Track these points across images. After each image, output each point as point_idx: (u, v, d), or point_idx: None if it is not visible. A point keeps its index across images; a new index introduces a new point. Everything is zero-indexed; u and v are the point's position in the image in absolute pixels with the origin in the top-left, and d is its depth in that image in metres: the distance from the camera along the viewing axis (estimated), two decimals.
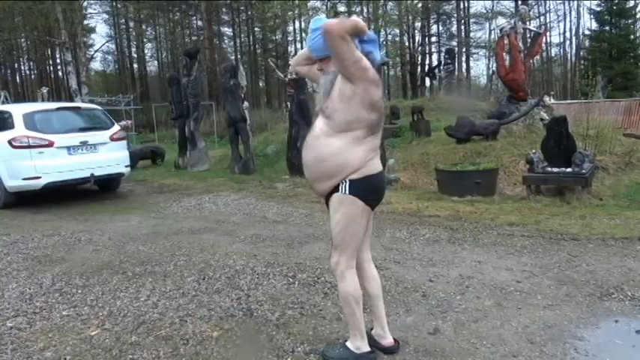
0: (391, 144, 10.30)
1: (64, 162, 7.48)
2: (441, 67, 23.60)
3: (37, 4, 22.03)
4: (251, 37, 41.23)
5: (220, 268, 4.32)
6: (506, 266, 4.10)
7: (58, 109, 8.29)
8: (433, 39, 37.12)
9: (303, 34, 33.16)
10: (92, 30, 38.18)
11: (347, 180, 2.40)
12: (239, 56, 38.93)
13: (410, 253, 4.56)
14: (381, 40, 29.93)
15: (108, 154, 7.96)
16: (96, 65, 42.64)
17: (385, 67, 19.86)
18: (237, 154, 10.86)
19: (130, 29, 40.94)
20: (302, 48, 36.99)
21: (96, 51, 38.12)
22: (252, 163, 10.71)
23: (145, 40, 41.06)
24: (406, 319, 3.17)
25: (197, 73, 11.63)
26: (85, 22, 31.44)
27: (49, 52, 38.62)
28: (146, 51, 43.76)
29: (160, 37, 41.77)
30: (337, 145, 2.37)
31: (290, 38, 39.64)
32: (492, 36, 32.75)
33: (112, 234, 5.79)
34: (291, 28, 38.12)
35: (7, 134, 7.35)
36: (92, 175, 7.72)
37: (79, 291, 3.94)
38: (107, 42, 40.35)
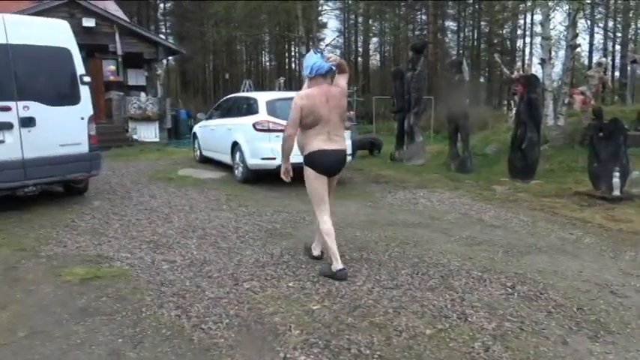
0: (636, 154, 8.92)
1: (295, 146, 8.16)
2: None
3: (282, 3, 24.50)
4: (475, 32, 39.88)
5: (434, 266, 4.27)
6: None
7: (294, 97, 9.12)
8: None
9: (535, 29, 30.82)
10: (324, 25, 41.07)
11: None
12: (461, 51, 38.02)
13: None
14: (630, 33, 26.27)
15: None
16: None
17: (633, 65, 17.36)
18: (455, 152, 10.61)
19: (359, 24, 42.98)
20: (531, 43, 34.41)
21: (326, 45, 40.89)
22: (470, 162, 10.35)
23: (370, 34, 42.76)
24: None
25: (422, 68, 11.64)
26: (320, 17, 33.95)
27: (287, 46, 42.77)
28: (370, 45, 45.52)
29: (385, 32, 42.98)
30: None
31: (519, 32, 37.25)
32: None
33: (332, 218, 6.14)
34: (522, 22, 35.77)
35: (253, 118, 8.35)
36: None
37: (303, 266, 4.29)
38: (337, 37, 43.09)
